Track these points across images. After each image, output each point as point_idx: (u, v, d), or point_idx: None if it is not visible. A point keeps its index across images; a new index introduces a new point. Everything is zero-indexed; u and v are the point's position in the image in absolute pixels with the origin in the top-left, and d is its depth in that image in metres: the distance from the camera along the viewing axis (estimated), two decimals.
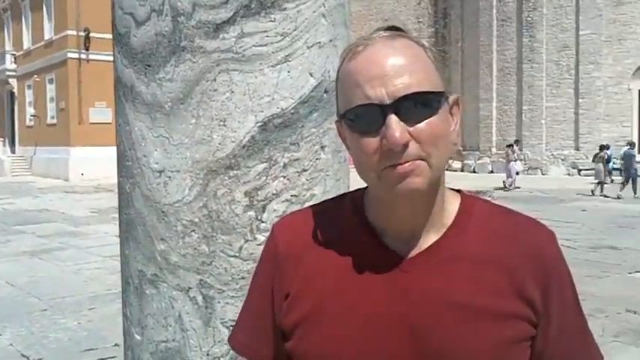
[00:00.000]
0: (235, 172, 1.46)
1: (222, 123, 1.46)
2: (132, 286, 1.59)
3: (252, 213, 1.47)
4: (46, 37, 34.04)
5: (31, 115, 36.41)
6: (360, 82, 0.88)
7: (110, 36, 1.81)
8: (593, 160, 21.13)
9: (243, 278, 1.45)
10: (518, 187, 21.73)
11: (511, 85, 30.06)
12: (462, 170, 31.49)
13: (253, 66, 1.47)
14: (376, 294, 0.93)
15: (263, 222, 1.46)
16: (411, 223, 0.95)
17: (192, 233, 1.47)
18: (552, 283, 0.97)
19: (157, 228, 1.51)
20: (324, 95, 1.54)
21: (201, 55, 1.47)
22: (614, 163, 22.87)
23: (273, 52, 1.48)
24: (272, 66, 1.48)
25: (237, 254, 1.46)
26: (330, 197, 1.14)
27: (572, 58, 28.55)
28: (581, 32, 28.19)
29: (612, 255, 9.74)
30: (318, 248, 0.99)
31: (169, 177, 1.49)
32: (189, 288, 1.47)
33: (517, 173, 22.50)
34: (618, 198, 18.34)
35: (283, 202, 1.48)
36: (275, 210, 1.47)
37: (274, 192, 1.48)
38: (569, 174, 27.94)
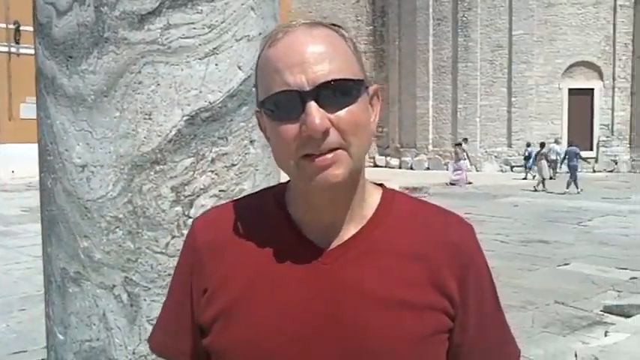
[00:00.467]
0: (161, 166, 1.43)
1: (147, 116, 1.43)
2: (54, 284, 1.54)
3: (179, 208, 1.44)
4: None
5: None
6: (280, 68, 0.87)
7: None
8: (535, 158, 21.88)
9: (169, 275, 1.41)
10: (471, 183, 22.28)
11: (447, 83, 30.61)
12: (400, 167, 31.89)
13: (180, 58, 1.44)
14: (295, 287, 0.93)
15: (190, 217, 1.44)
16: (330, 215, 0.95)
17: (117, 230, 1.43)
18: (470, 276, 0.98)
19: (80, 225, 1.46)
20: (254, 89, 1.52)
21: (126, 46, 1.43)
22: (533, 160, 24.23)
23: (200, 45, 1.46)
24: (199, 59, 1.46)
25: (163, 250, 1.43)
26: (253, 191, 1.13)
27: (506, 58, 29.29)
28: (513, 32, 28.95)
29: (542, 248, 10.04)
30: (238, 242, 0.98)
31: (92, 172, 1.45)
32: (114, 286, 1.43)
33: (465, 171, 23.05)
34: (564, 194, 18.99)
35: (211, 197, 1.46)
36: (203, 205, 1.45)
37: (202, 187, 1.45)
38: (502, 170, 28.67)
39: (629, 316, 5.95)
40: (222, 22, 1.49)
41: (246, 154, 1.51)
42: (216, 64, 1.47)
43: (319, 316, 0.91)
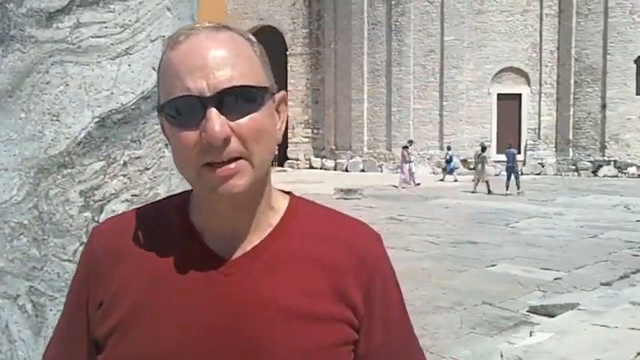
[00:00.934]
0: (69, 170, 1.37)
1: (55, 118, 1.37)
2: None
3: (88, 214, 1.39)
4: None
5: None
6: (181, 72, 0.84)
7: None
8: (475, 161, 22.49)
9: None
10: (419, 184, 22.74)
11: (381, 86, 31.00)
12: (335, 169, 32.10)
13: (90, 58, 1.40)
14: (194, 299, 0.89)
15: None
16: (233, 223, 0.92)
17: (21, 236, 1.37)
18: (376, 285, 0.96)
19: None
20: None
21: (33, 45, 1.37)
22: (455, 163, 25.86)
23: (112, 44, 1.41)
24: (111, 59, 1.41)
25: (71, 258, 1.37)
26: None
27: (438, 63, 29.87)
28: (445, 38, 29.56)
29: (471, 250, 10.27)
30: (137, 252, 0.94)
31: None
32: (18, 295, 1.37)
33: (412, 174, 23.51)
34: (506, 195, 19.50)
35: (123, 202, 1.41)
36: (114, 211, 1.40)
37: (113, 192, 1.41)
38: (434, 172, 29.21)
39: (553, 316, 6.13)
40: (135, 22, 1.44)
41: (160, 157, 1.47)
42: (129, 65, 1.43)
43: (218, 329, 0.88)
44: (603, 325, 5.29)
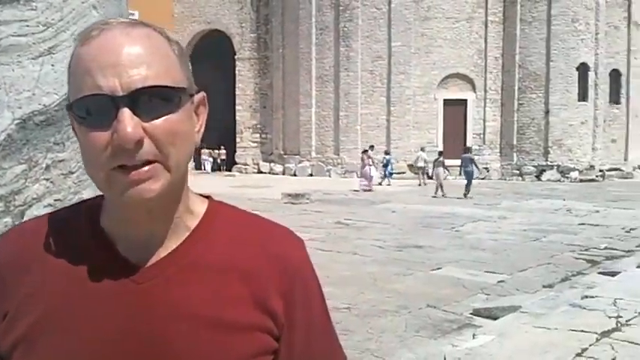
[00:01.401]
0: None
1: None
2: None
3: (8, 219, 1.33)
4: None
5: None
6: (92, 69, 0.80)
7: None
8: (433, 165, 22.91)
9: None
10: (381, 184, 23.08)
11: (329, 92, 31.13)
12: (284, 174, 32.05)
13: (10, 57, 1.34)
14: (104, 309, 0.85)
15: None
16: (147, 229, 0.88)
17: None
18: (297, 293, 0.93)
19: None
20: None
21: None
22: (391, 167, 26.99)
23: (34, 44, 1.36)
24: (33, 58, 1.36)
25: None
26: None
27: (385, 68, 30.20)
28: (392, 44, 29.92)
29: (417, 253, 10.37)
30: (47, 261, 0.89)
31: None
32: None
33: (371, 177, 23.78)
34: (465, 197, 19.84)
35: (46, 207, 1.36)
36: (36, 215, 1.34)
37: (35, 196, 1.35)
38: (381, 177, 29.52)
39: (495, 319, 6.23)
40: (59, 21, 1.39)
41: None
42: (53, 65, 1.38)
43: (128, 342, 0.84)
44: (544, 327, 5.40)
